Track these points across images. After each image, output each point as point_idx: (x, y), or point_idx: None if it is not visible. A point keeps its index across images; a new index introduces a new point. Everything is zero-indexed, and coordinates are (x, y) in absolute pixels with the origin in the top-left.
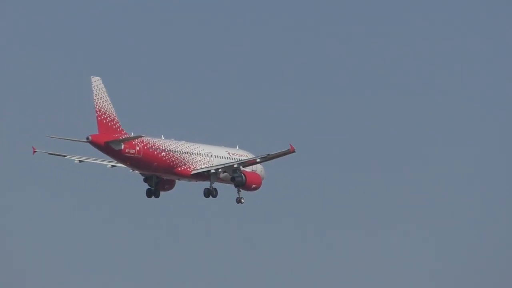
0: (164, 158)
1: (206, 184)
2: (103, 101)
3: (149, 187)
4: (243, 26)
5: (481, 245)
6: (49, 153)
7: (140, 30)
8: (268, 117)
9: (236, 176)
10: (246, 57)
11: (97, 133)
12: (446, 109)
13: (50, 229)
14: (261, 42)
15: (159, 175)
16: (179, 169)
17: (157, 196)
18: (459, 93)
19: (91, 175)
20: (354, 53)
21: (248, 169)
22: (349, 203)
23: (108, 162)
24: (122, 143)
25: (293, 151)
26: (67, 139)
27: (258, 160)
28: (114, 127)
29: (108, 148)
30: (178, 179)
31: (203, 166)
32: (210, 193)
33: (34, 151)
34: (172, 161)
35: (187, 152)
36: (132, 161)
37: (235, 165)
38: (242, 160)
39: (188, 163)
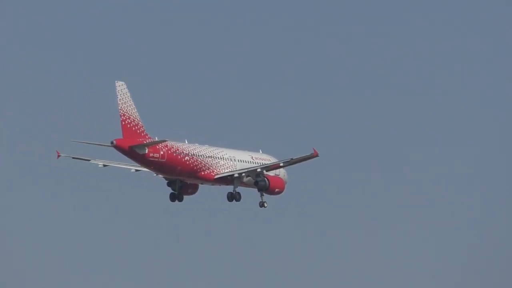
0: (187, 163)
1: (230, 188)
2: (127, 105)
3: (173, 191)
4: (243, 26)
5: (481, 245)
6: (73, 157)
7: (162, 33)
8: (287, 120)
9: (259, 180)
10: (246, 57)
11: (122, 137)
12: (446, 109)
13: (74, 233)
14: (261, 42)
15: (183, 179)
16: (203, 173)
17: (180, 200)
18: (459, 93)
19: (115, 179)
20: (354, 53)
21: (271, 173)
22: (350, 203)
23: (132, 166)
24: (146, 148)
25: (317, 155)
26: (91, 144)
27: (281, 165)
28: (138, 131)
29: (132, 153)
30: (202, 183)
31: (226, 171)
32: (233, 197)
33: (59, 156)
34: (196, 165)
35: (211, 157)
36: (156, 165)
37: (259, 169)
38: (265, 164)
39: (211, 167)
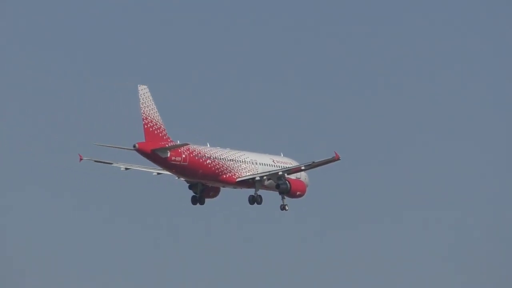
0: (209, 166)
1: (251, 191)
2: (149, 109)
3: (194, 194)
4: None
5: (480, 245)
6: (95, 161)
7: (182, 36)
8: (306, 123)
9: (281, 184)
10: (264, 59)
11: (144, 141)
12: (446, 109)
13: (96, 236)
14: (262, 42)
15: (205, 182)
16: (224, 176)
17: (202, 203)
18: (459, 93)
19: (137, 182)
20: (354, 53)
21: (293, 176)
22: (351, 203)
23: (154, 170)
24: (168, 151)
25: (338, 159)
26: (114, 147)
27: (303, 168)
28: (160, 135)
29: (155, 156)
30: (223, 187)
31: (248, 174)
32: (255, 200)
33: (81, 159)
34: (218, 169)
35: (232, 160)
36: (178, 169)
37: (280, 173)
38: (287, 167)
39: (233, 171)
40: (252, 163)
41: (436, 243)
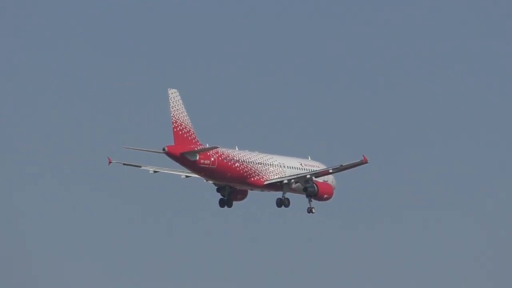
0: (238, 169)
1: (279, 194)
2: (179, 112)
3: (222, 197)
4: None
5: (482, 246)
6: (124, 164)
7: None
8: (333, 125)
9: (308, 187)
10: (246, 57)
11: (173, 144)
12: (446, 109)
13: (125, 237)
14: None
15: (232, 185)
16: (253, 179)
17: (230, 205)
18: (459, 93)
19: (165, 185)
20: (354, 53)
21: (320, 179)
22: (353, 203)
23: (182, 173)
24: (197, 154)
25: (366, 162)
26: (142, 150)
27: (330, 171)
28: (189, 138)
29: (184, 159)
30: (251, 189)
31: (276, 177)
32: (282, 203)
33: (110, 162)
34: (246, 172)
35: (261, 163)
36: (207, 172)
37: (308, 176)
38: (314, 170)
39: (261, 174)
40: (280, 166)
41: (454, 245)
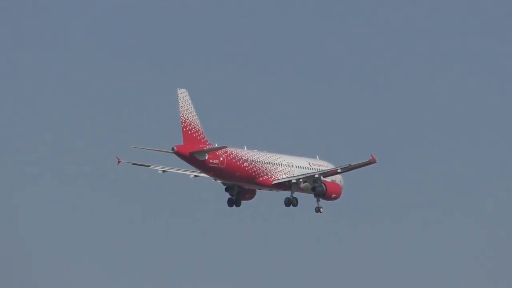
0: (246, 168)
1: (287, 193)
2: (188, 112)
3: (231, 197)
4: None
5: (482, 246)
6: (133, 163)
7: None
8: (342, 125)
9: (316, 186)
10: (284, 61)
11: (182, 143)
12: (446, 109)
13: (134, 236)
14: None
15: (241, 184)
16: (261, 179)
17: (238, 205)
18: (459, 93)
19: (174, 184)
20: (354, 53)
21: (328, 179)
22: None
23: (191, 172)
24: (206, 154)
25: (374, 162)
26: (151, 150)
27: (339, 171)
28: (198, 138)
29: (193, 159)
30: (260, 189)
31: (284, 176)
32: (290, 202)
33: (119, 162)
34: (254, 171)
35: (269, 163)
36: (216, 171)
37: (316, 175)
38: (323, 170)
39: (269, 173)
40: (288, 165)
41: (456, 245)
